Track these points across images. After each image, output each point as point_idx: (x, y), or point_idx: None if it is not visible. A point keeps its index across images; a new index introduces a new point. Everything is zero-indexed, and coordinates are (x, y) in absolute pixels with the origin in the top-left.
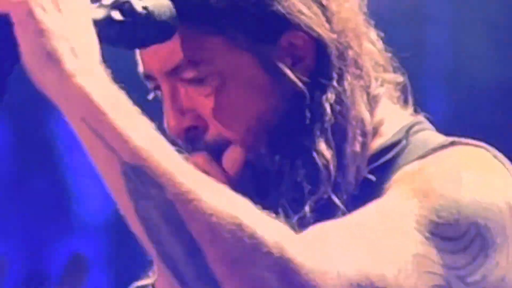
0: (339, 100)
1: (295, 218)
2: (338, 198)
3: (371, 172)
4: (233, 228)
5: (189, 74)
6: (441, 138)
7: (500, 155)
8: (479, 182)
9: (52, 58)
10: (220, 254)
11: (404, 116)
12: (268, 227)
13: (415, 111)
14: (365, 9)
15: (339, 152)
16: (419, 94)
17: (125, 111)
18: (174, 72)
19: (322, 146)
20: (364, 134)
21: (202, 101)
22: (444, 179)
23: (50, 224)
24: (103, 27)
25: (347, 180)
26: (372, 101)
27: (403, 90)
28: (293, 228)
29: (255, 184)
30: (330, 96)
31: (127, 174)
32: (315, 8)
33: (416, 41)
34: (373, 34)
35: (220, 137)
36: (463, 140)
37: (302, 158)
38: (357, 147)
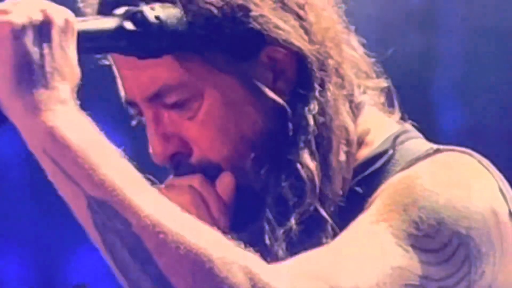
0: (322, 111)
1: (281, 231)
2: (325, 210)
3: (358, 183)
4: (202, 260)
5: (171, 98)
6: (428, 147)
7: (485, 161)
8: (462, 190)
9: (20, 85)
10: (190, 287)
11: (391, 124)
12: (238, 258)
13: (403, 118)
14: (343, 15)
15: (324, 163)
16: (431, 105)
17: (89, 142)
18: (156, 98)
19: (306, 157)
20: (349, 143)
21: (186, 125)
22: (425, 190)
23: (66, 233)
24: (115, 37)
25: (334, 191)
26: (356, 110)
27: (388, 96)
28: (277, 243)
29: (247, 206)
30: (313, 107)
31: (92, 208)
32: (292, 21)
33: (428, 50)
34: (354, 40)
35: (205, 160)
36: (448, 147)
37: (286, 171)
38: (342, 157)
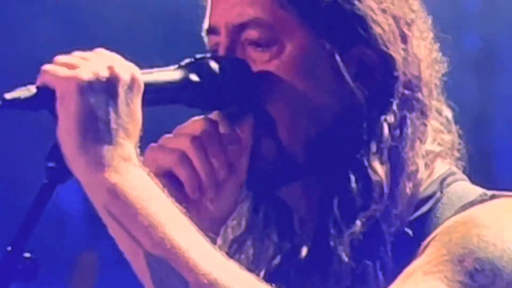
0: (399, 126)
1: (346, 234)
2: (387, 226)
3: (407, 225)
4: None
5: (255, 34)
6: (478, 190)
7: None
8: None
9: (85, 141)
10: None
11: (439, 167)
12: None
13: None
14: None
15: (393, 178)
16: (488, 152)
17: (150, 200)
18: (241, 28)
19: (377, 164)
20: (416, 180)
21: (258, 65)
22: (481, 241)
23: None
24: (180, 88)
25: (397, 213)
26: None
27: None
28: (341, 246)
29: (288, 173)
30: (389, 118)
31: (151, 264)
32: (396, 34)
33: (485, 96)
34: (440, 84)
35: (259, 108)
36: (503, 193)
37: (356, 172)
38: (409, 187)
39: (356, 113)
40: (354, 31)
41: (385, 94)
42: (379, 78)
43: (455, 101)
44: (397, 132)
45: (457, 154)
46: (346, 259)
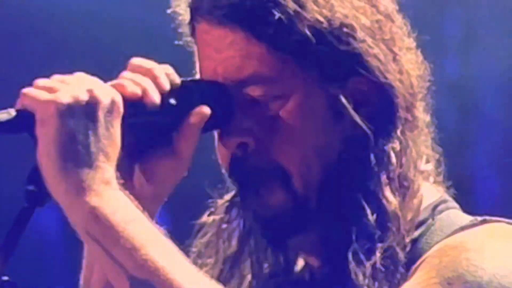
0: (404, 153)
1: (367, 266)
2: (401, 251)
3: None
4: None
5: (255, 91)
6: (469, 218)
7: None
8: (509, 265)
9: (65, 164)
10: None
11: (431, 193)
12: None
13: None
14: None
15: (405, 203)
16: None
17: (131, 222)
18: (240, 84)
19: (389, 194)
20: (416, 197)
21: (261, 120)
22: (470, 265)
23: None
24: (159, 112)
25: (408, 235)
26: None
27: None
28: (365, 279)
29: (300, 218)
30: (395, 145)
31: (134, 287)
32: (389, 58)
33: (464, 124)
34: (425, 107)
35: (272, 159)
36: (494, 218)
37: (371, 204)
38: (415, 206)
39: (361, 146)
40: (351, 67)
41: (387, 121)
42: (379, 107)
43: (434, 125)
44: (403, 158)
45: (440, 177)
46: None
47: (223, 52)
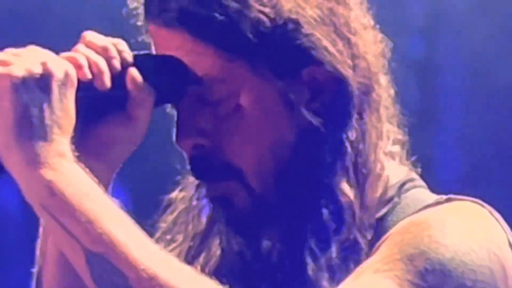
0: (361, 139)
1: (323, 260)
2: (363, 237)
3: None
4: None
5: (207, 92)
6: (435, 196)
7: (496, 213)
8: (470, 243)
9: (19, 138)
10: None
11: (398, 171)
12: None
13: (414, 166)
14: (389, 54)
15: (361, 193)
16: (431, 157)
17: (87, 196)
18: (190, 87)
19: (344, 185)
20: (382, 181)
21: (215, 123)
22: (432, 242)
23: None
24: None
25: (370, 222)
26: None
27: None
28: (320, 272)
29: (261, 217)
30: (351, 134)
31: (90, 261)
32: (340, 46)
33: (427, 102)
34: (388, 83)
35: (227, 161)
36: (458, 196)
37: (325, 196)
38: (379, 191)
39: (316, 138)
40: (301, 61)
41: (342, 110)
42: (334, 96)
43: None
44: (360, 145)
45: (407, 156)
46: (327, 285)
47: (173, 54)
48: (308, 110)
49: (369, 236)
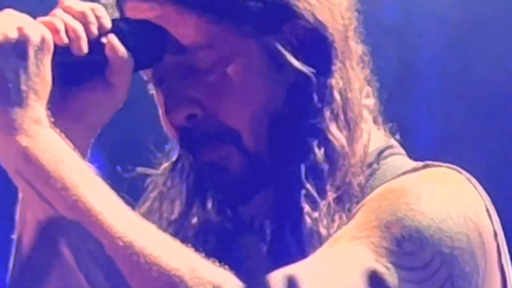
0: (348, 87)
1: (321, 204)
2: (357, 185)
3: None
4: (174, 281)
5: (196, 60)
6: (413, 163)
7: (473, 179)
8: (447, 209)
9: None
10: None
11: (376, 137)
12: (212, 278)
13: (391, 133)
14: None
15: (351, 138)
16: (406, 120)
17: (62, 162)
18: (178, 56)
19: (335, 129)
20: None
21: (207, 88)
22: (409, 209)
23: None
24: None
25: (361, 168)
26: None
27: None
28: (319, 217)
29: (257, 176)
30: (336, 81)
31: (66, 229)
32: None
33: (403, 64)
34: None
35: (222, 125)
36: (436, 163)
37: (317, 140)
38: (365, 140)
39: (304, 89)
40: (282, 16)
41: (325, 59)
42: (316, 47)
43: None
44: (348, 92)
45: (385, 122)
46: (325, 231)
47: None
48: (294, 63)
49: (362, 182)
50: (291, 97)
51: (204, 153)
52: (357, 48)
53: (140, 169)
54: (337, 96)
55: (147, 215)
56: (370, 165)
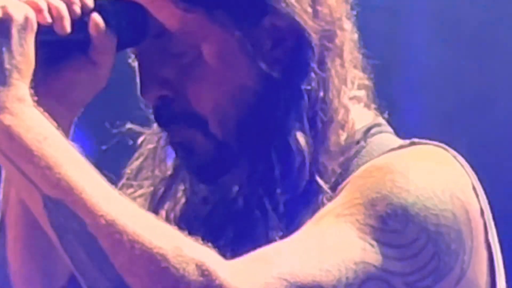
0: (322, 87)
1: (270, 205)
2: (324, 182)
3: None
4: (157, 259)
5: (169, 44)
6: (400, 141)
7: (460, 157)
8: (433, 187)
9: None
10: (146, 287)
11: (364, 116)
12: (195, 255)
13: (380, 112)
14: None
15: (322, 138)
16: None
17: (46, 141)
18: (152, 39)
19: (298, 133)
20: (344, 126)
21: (177, 71)
22: (395, 187)
23: None
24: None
25: (333, 167)
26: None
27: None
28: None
29: (223, 162)
30: (309, 82)
31: (48, 207)
32: None
33: (392, 44)
34: (352, 28)
35: (191, 110)
36: (422, 140)
37: (278, 143)
38: (343, 137)
39: (274, 85)
40: (261, 9)
41: (301, 61)
42: (294, 45)
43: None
44: (321, 92)
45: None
46: (275, 222)
47: None
48: (269, 58)
49: (332, 179)
50: (262, 91)
51: (173, 133)
52: (345, 38)
53: (133, 126)
54: (305, 97)
55: (139, 171)
56: (357, 142)
